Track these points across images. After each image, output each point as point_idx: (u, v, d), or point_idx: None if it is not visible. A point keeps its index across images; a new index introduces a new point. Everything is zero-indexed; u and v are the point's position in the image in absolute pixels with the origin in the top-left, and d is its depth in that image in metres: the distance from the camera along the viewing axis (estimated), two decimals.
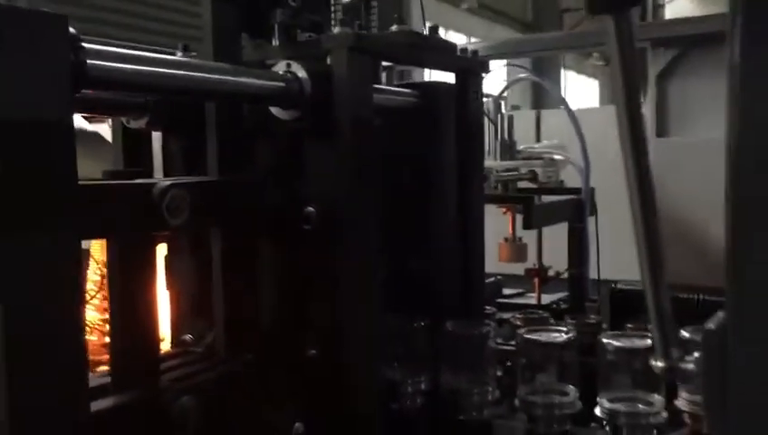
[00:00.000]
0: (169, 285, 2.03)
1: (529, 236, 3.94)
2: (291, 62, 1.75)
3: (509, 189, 2.97)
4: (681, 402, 1.65)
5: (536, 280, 3.29)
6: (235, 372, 1.77)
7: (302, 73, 1.73)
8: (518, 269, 3.50)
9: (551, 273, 3.32)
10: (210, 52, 1.80)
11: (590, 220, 3.12)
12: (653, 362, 0.79)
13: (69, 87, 1.23)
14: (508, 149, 3.22)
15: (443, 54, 2.11)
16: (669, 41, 2.91)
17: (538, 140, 7.27)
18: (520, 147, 3.47)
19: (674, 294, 0.87)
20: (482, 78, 2.20)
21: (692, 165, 2.85)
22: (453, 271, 2.18)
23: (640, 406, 1.68)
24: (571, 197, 3.00)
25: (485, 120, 3.26)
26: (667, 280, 0.79)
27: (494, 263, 3.40)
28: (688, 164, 2.85)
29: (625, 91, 0.77)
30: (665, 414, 1.68)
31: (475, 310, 2.23)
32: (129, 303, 1.57)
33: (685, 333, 1.35)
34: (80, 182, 1.23)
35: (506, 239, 3.16)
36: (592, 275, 3.08)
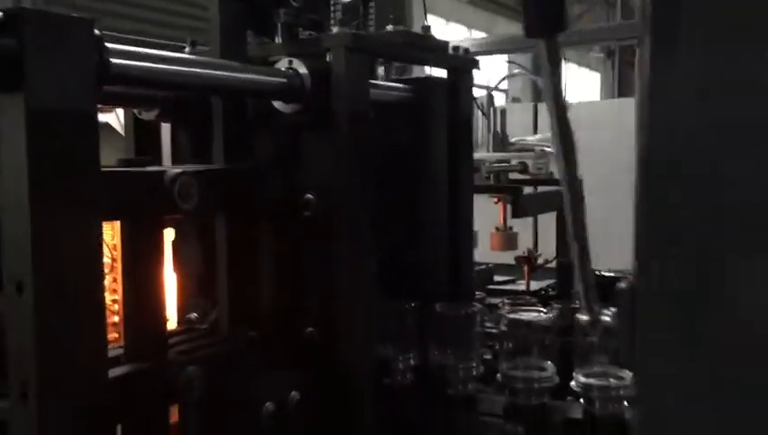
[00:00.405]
0: (176, 268, 2.17)
1: (525, 226, 4.08)
2: (292, 59, 1.88)
3: (501, 180, 3.10)
4: None
5: (526, 267, 3.42)
6: (237, 347, 1.91)
7: (302, 70, 1.86)
8: (510, 258, 3.65)
9: (540, 261, 3.46)
10: (217, 48, 1.94)
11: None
12: (579, 316, 0.94)
13: (94, 82, 1.36)
14: (500, 142, 3.35)
15: (435, 53, 2.25)
16: None
17: (535, 132, 7.39)
18: (513, 139, 3.60)
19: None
20: (472, 74, 2.33)
21: None
22: (443, 256, 2.32)
23: (612, 380, 1.82)
24: (560, 187, 3.13)
25: (479, 113, 3.40)
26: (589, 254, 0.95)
27: (487, 252, 3.54)
28: None
29: (555, 102, 0.91)
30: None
31: (463, 293, 2.36)
32: (140, 280, 1.70)
33: None
34: (102, 168, 1.37)
35: (497, 229, 3.29)
36: None
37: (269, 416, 1.74)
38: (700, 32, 0.69)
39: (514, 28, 14.48)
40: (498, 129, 3.31)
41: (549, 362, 1.95)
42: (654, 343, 0.74)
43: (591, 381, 1.83)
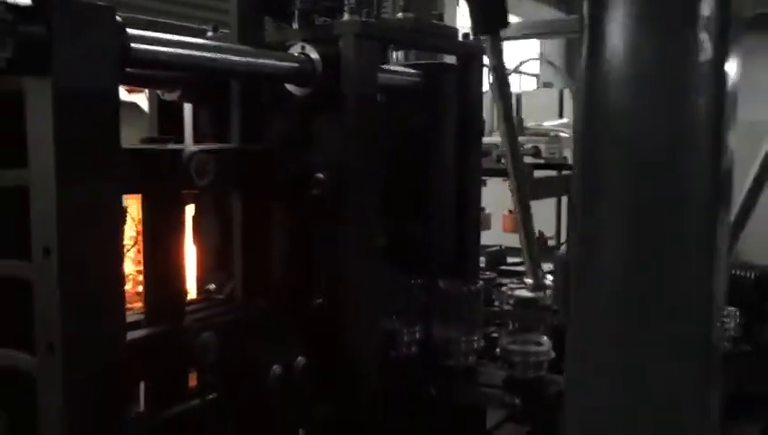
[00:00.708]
0: (196, 242, 2.30)
1: (547, 209, 4.13)
2: (305, 44, 1.98)
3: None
4: None
5: None
6: (250, 316, 2.03)
7: (314, 55, 1.96)
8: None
9: (551, 243, 3.53)
10: (235, 34, 2.04)
11: None
12: (525, 280, 1.04)
13: (115, 65, 1.48)
14: (516, 126, 3.42)
15: (444, 40, 2.33)
16: None
17: (561, 116, 7.42)
18: (530, 124, 3.67)
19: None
20: (482, 60, 2.41)
21: None
22: (450, 235, 2.41)
23: None
24: (570, 172, 3.20)
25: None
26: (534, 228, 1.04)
27: (501, 233, 3.63)
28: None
29: (500, 91, 1.00)
30: None
31: (470, 272, 2.46)
32: (159, 251, 1.83)
33: None
34: (122, 146, 1.49)
35: (510, 211, 3.37)
36: None
37: (276, 378, 1.86)
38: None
39: (543, 12, 14.33)
40: (513, 114, 3.37)
41: (545, 338, 2.04)
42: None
43: None
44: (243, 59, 1.81)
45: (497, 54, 1.02)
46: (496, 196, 3.35)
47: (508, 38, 7.58)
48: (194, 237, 2.30)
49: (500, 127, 1.05)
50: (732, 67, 0.75)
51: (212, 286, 2.30)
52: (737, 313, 2.41)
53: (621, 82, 0.77)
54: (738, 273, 2.79)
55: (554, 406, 2.04)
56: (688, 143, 0.77)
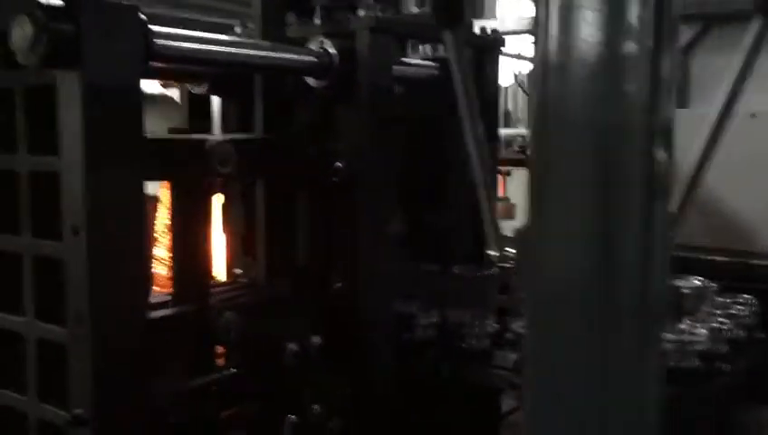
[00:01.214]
0: (225, 228, 2.42)
1: None
2: (324, 39, 2.08)
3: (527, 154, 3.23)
4: None
5: None
6: (271, 298, 2.14)
7: (332, 49, 2.06)
8: None
9: None
10: (259, 29, 2.15)
11: None
12: (487, 252, 1.12)
13: (139, 60, 1.60)
14: None
15: None
16: (691, 18, 3.10)
17: None
18: None
19: None
20: (497, 54, 2.47)
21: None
22: (466, 223, 2.48)
23: None
24: None
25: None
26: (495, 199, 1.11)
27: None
28: (704, 133, 3.01)
29: (463, 83, 1.08)
30: None
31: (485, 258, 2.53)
32: (185, 235, 1.95)
33: None
34: (147, 136, 1.61)
35: None
36: None
37: (292, 356, 1.97)
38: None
39: None
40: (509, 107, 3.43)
41: None
42: None
43: None
44: (261, 53, 1.91)
45: (459, 45, 1.10)
46: (521, 186, 3.40)
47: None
48: (223, 224, 2.43)
49: (464, 124, 1.13)
50: (665, 56, 0.81)
51: (239, 271, 2.43)
52: (753, 301, 2.43)
53: (559, 70, 0.85)
54: (754, 262, 2.81)
55: None
56: (623, 129, 0.85)
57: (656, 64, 0.82)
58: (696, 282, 2.06)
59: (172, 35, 1.68)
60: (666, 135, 0.90)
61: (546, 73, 0.90)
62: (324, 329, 2.07)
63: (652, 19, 0.80)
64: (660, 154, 0.88)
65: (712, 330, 2.16)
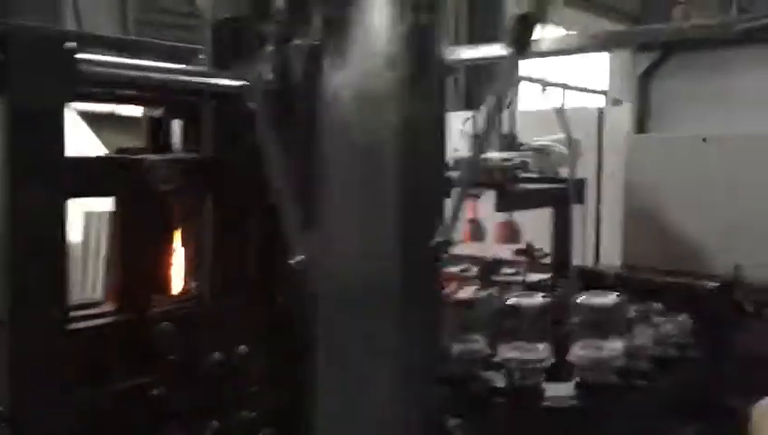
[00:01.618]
0: (183, 243, 2.54)
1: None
2: (261, 65, 2.20)
3: (495, 178, 3.31)
4: None
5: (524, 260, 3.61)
6: (213, 310, 2.25)
7: (268, 75, 2.17)
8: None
9: (538, 254, 3.64)
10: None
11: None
12: (291, 261, 1.23)
13: (65, 85, 1.73)
14: (509, 142, 3.57)
15: None
16: (650, 45, 3.17)
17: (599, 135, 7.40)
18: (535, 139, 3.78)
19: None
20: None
21: (667, 159, 3.08)
22: None
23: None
24: (556, 186, 3.30)
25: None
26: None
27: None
28: (664, 158, 3.08)
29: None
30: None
31: None
32: (125, 249, 2.07)
33: None
34: (68, 156, 1.74)
35: (502, 222, 3.50)
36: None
37: (216, 365, 2.08)
38: None
39: (603, 25, 14.14)
40: (506, 130, 3.52)
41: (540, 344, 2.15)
42: None
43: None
44: (192, 78, 2.04)
45: None
46: (490, 208, 3.47)
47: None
48: (182, 240, 2.55)
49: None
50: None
51: (190, 284, 2.54)
52: (689, 321, 2.49)
53: None
54: (698, 283, 2.86)
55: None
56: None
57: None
58: (613, 297, 2.13)
59: (100, 62, 1.81)
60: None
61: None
62: (266, 341, 2.17)
63: None
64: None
65: (636, 347, 2.22)
